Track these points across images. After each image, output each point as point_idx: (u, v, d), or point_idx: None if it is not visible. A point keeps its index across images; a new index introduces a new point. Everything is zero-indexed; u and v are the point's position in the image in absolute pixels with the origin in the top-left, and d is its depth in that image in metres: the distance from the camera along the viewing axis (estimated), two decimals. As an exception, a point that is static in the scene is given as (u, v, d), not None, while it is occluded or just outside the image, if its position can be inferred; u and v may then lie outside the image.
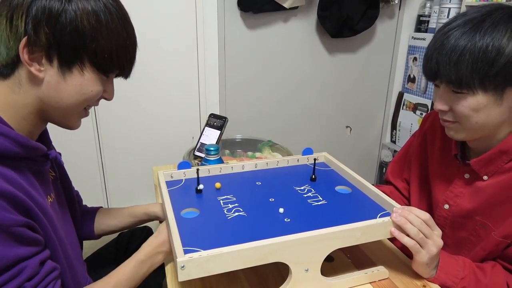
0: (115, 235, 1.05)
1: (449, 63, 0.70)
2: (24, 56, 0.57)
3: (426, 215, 0.69)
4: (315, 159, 0.89)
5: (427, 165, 0.94)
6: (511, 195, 0.75)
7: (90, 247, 1.03)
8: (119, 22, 0.62)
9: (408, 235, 0.68)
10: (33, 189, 0.61)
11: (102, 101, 0.70)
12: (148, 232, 1.11)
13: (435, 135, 0.92)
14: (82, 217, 0.91)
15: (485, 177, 0.79)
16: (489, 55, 0.67)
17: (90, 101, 0.66)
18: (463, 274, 0.71)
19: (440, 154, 0.90)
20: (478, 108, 0.71)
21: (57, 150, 0.76)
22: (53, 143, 0.77)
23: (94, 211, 0.94)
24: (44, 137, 0.73)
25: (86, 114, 0.70)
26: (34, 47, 0.58)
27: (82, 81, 0.62)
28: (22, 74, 0.60)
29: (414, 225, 0.67)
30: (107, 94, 0.69)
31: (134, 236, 1.08)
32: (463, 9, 1.62)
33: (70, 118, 0.67)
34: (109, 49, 0.61)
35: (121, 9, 0.64)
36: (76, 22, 0.58)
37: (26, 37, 0.57)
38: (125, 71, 0.68)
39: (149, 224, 1.01)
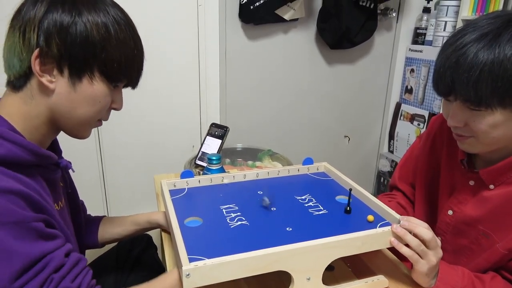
0: (115, 243, 1.05)
1: (467, 82, 0.66)
2: (36, 67, 0.59)
3: (424, 224, 0.70)
4: (350, 189, 0.79)
5: (439, 169, 0.92)
6: None
7: (90, 254, 1.04)
8: (127, 33, 0.64)
9: (408, 246, 0.69)
10: (46, 195, 0.62)
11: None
12: (149, 240, 1.11)
13: (443, 139, 0.90)
14: (86, 226, 0.92)
15: (491, 186, 0.77)
16: (509, 72, 0.63)
17: (100, 111, 0.67)
18: (462, 284, 0.72)
19: (447, 159, 0.89)
20: (496, 125, 0.69)
21: None
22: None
23: (98, 220, 0.95)
24: (54, 146, 0.74)
25: (99, 124, 0.71)
26: (46, 58, 0.60)
27: (92, 91, 0.63)
28: (34, 86, 0.62)
29: (424, 238, 0.67)
30: (116, 104, 0.70)
31: (134, 243, 1.08)
32: (459, 22, 1.65)
33: (81, 129, 0.69)
34: (118, 59, 0.63)
35: (129, 21, 0.66)
36: (86, 33, 0.60)
37: (38, 48, 0.59)
38: (133, 80, 0.69)
39: (150, 232, 1.01)
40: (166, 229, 0.92)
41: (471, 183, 0.82)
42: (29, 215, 0.55)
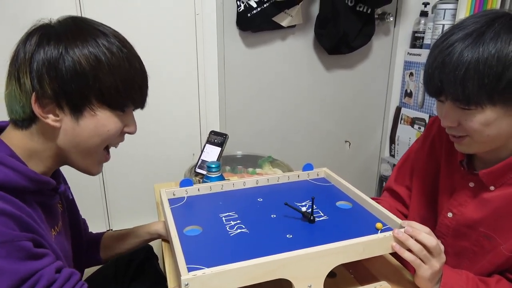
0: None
1: (454, 81, 0.67)
2: (37, 110, 0.59)
3: (427, 229, 0.69)
4: (313, 198, 0.78)
5: (438, 171, 0.91)
6: None
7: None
8: (120, 56, 0.62)
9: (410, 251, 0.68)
10: (40, 222, 0.61)
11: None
12: (149, 250, 1.10)
13: (442, 140, 0.90)
14: (88, 244, 0.91)
15: (491, 188, 0.77)
16: (495, 69, 0.64)
17: (109, 140, 0.66)
18: None
19: (446, 161, 0.88)
20: (488, 123, 0.69)
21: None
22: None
23: (99, 237, 0.95)
24: (55, 173, 0.73)
25: (107, 159, 0.70)
26: (43, 99, 0.59)
27: (96, 122, 0.63)
28: (40, 126, 0.62)
29: (428, 245, 0.67)
30: (129, 128, 0.69)
31: (134, 254, 1.07)
32: (457, 25, 1.65)
33: (89, 162, 0.67)
34: (114, 84, 0.61)
35: (123, 43, 0.64)
36: (75, 66, 0.58)
37: (34, 92, 0.58)
38: (136, 102, 0.67)
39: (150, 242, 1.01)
40: (167, 239, 0.92)
41: (471, 185, 0.81)
42: (17, 234, 0.55)
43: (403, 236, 0.67)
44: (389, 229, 0.72)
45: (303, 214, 0.76)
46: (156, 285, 1.02)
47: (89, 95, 0.61)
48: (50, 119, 0.60)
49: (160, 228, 0.92)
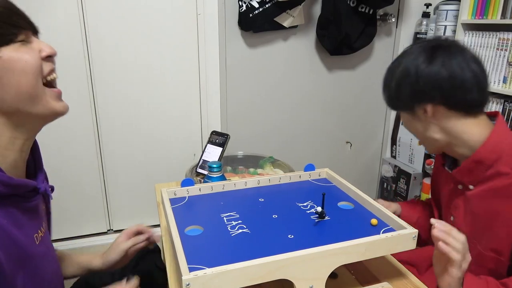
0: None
1: (383, 91, 0.88)
2: None
3: (454, 228, 0.70)
4: (323, 194, 0.78)
5: (438, 178, 0.96)
6: (491, 205, 0.75)
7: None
8: None
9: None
10: (16, 228, 0.59)
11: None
12: (158, 253, 1.09)
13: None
14: None
15: (471, 187, 0.80)
16: (388, 82, 0.84)
17: (37, 71, 0.61)
18: None
19: (441, 168, 0.92)
20: (407, 123, 0.87)
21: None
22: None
23: None
24: (36, 166, 0.70)
25: (58, 93, 0.65)
26: None
27: (8, 62, 0.58)
28: None
29: (460, 240, 0.68)
30: (45, 51, 0.63)
31: (140, 254, 1.06)
32: (459, 26, 1.65)
33: (42, 104, 0.62)
34: None
35: None
36: None
37: None
38: (21, 25, 0.62)
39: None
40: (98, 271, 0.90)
41: (460, 187, 0.84)
42: None
43: (443, 235, 0.67)
44: (391, 229, 0.72)
45: (320, 214, 0.76)
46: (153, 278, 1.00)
47: None
48: None
49: (99, 263, 0.88)
